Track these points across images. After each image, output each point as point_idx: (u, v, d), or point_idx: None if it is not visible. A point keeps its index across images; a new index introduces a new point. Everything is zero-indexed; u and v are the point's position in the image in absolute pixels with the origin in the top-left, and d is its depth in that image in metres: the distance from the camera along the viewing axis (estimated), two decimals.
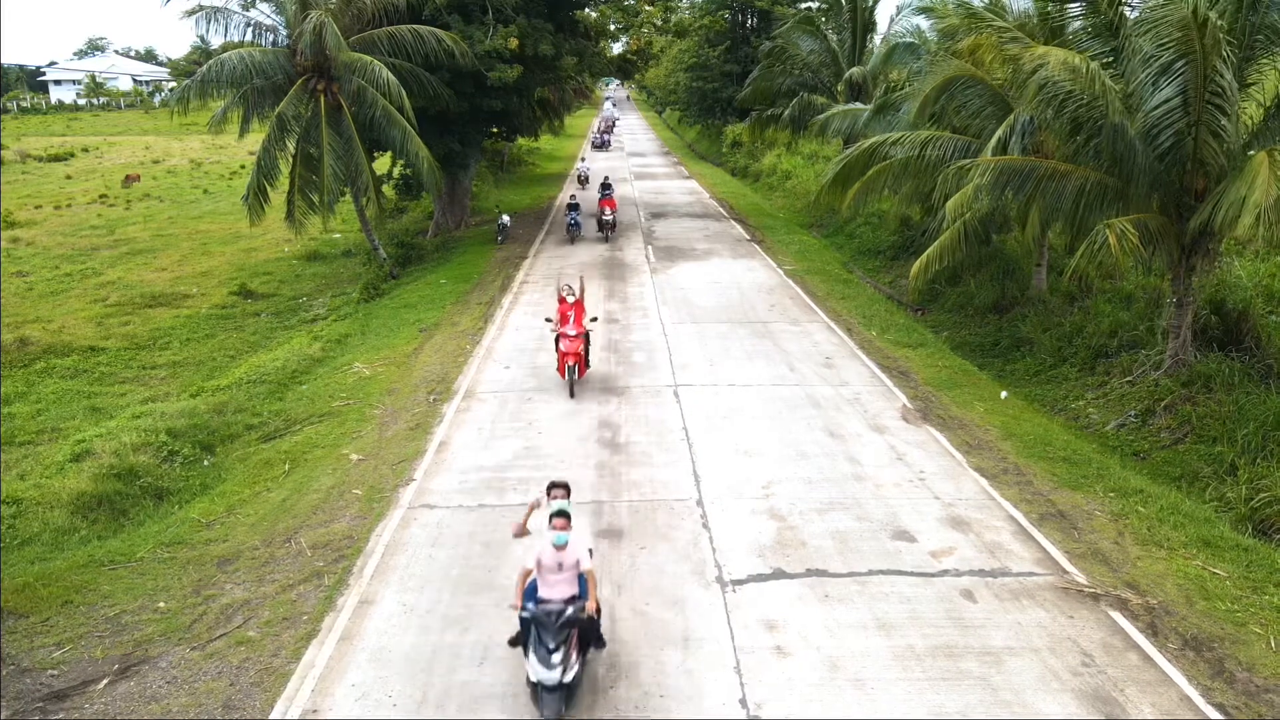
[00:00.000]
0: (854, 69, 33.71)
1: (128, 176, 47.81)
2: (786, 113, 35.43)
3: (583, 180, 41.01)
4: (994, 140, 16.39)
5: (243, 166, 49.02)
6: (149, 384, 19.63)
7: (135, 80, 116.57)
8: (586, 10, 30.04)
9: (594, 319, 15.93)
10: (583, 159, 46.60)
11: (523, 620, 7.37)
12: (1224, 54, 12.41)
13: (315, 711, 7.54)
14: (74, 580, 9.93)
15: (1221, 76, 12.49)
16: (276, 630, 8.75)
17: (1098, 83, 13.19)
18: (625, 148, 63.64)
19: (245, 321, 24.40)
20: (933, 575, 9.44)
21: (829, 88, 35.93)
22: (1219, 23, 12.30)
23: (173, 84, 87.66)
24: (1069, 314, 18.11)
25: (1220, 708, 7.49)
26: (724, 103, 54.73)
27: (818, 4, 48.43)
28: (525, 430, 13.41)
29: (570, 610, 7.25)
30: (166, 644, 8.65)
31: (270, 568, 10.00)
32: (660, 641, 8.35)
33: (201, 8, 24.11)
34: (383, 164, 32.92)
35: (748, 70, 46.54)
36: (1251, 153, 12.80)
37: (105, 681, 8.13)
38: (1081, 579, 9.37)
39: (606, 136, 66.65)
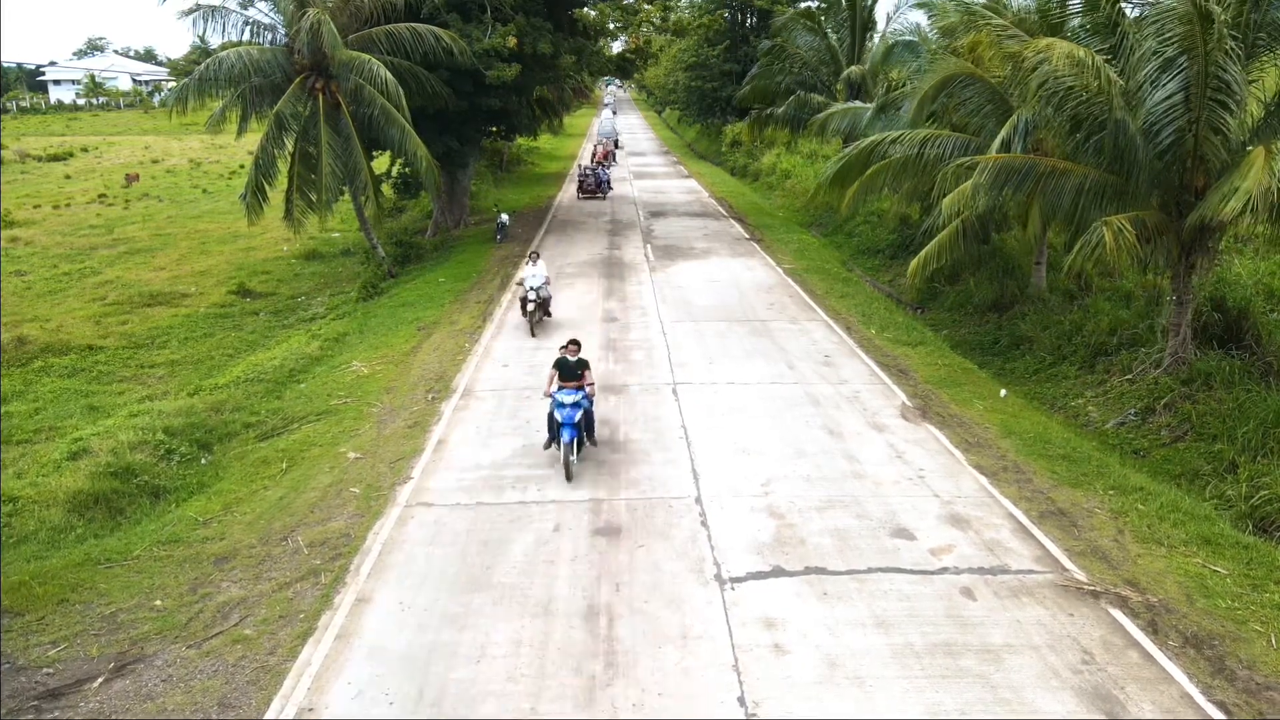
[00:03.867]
0: (852, 68, 33.70)
1: (128, 175, 47.82)
2: (785, 110, 35.40)
3: (529, 307, 18.08)
4: (998, 141, 16.33)
5: (241, 166, 48.93)
6: (147, 383, 19.58)
7: (134, 80, 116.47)
8: (585, 9, 30.00)
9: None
10: (531, 258, 18.91)
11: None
12: (1228, 48, 12.38)
13: (311, 710, 7.51)
14: (70, 578, 9.89)
15: (1225, 71, 12.46)
16: (273, 628, 8.71)
17: (1101, 76, 13.14)
18: (625, 147, 62.72)
19: (243, 320, 24.36)
20: (932, 573, 9.40)
21: (828, 86, 35.91)
22: (1223, 17, 12.28)
23: (172, 84, 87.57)
24: (1068, 312, 18.08)
25: (1221, 705, 7.46)
26: (723, 102, 54.71)
27: (817, 2, 48.41)
28: (524, 428, 13.37)
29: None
30: (162, 642, 8.62)
31: (267, 566, 9.96)
32: (658, 639, 8.31)
33: (199, 6, 24.02)
34: (381, 163, 32.87)
35: (747, 70, 46.50)
36: (1250, 148, 12.78)
37: (101, 679, 8.09)
38: (1081, 576, 9.34)
39: (604, 172, 38.11)
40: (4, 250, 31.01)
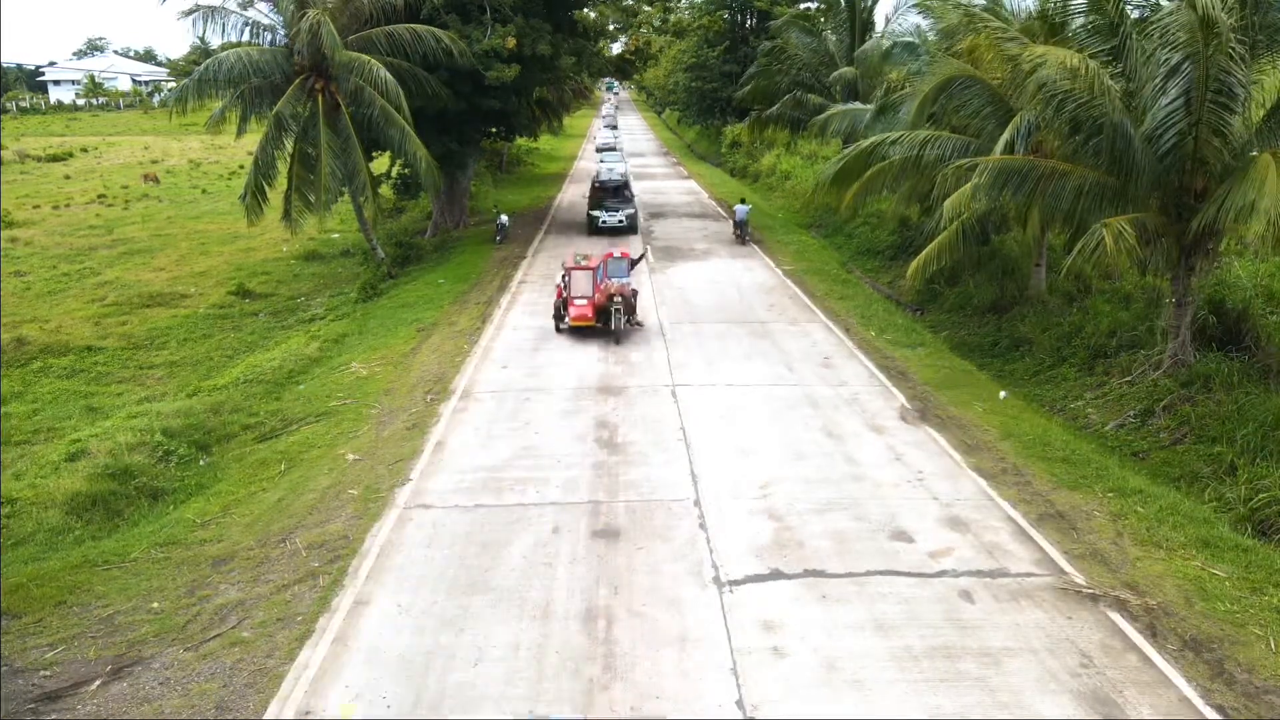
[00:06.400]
0: (844, 69, 33.78)
1: (145, 176, 48.01)
2: (785, 111, 35.43)
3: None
4: (1001, 142, 16.29)
5: (241, 166, 48.90)
6: (146, 384, 19.58)
7: (134, 80, 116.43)
8: (585, 10, 30.00)
9: None
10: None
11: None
12: (1230, 51, 12.38)
13: (309, 713, 7.49)
14: (68, 580, 9.88)
15: (1229, 75, 12.45)
16: (271, 631, 8.69)
17: (1097, 83, 13.14)
18: (625, 148, 62.29)
19: (243, 321, 24.35)
20: (931, 576, 9.38)
21: (827, 88, 35.95)
22: (1228, 22, 12.27)
23: (171, 84, 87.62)
24: (1068, 314, 18.07)
25: (1220, 709, 7.44)
26: (723, 103, 54.73)
27: (816, 3, 48.45)
28: (522, 430, 13.36)
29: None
30: (160, 645, 8.60)
31: (265, 568, 9.95)
32: (657, 642, 8.29)
33: (199, 7, 24.05)
34: (381, 164, 32.86)
35: (746, 70, 46.53)
36: (1253, 153, 12.76)
37: (98, 682, 8.07)
38: (1080, 580, 9.32)
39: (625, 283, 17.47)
40: (4, 250, 30.99)
